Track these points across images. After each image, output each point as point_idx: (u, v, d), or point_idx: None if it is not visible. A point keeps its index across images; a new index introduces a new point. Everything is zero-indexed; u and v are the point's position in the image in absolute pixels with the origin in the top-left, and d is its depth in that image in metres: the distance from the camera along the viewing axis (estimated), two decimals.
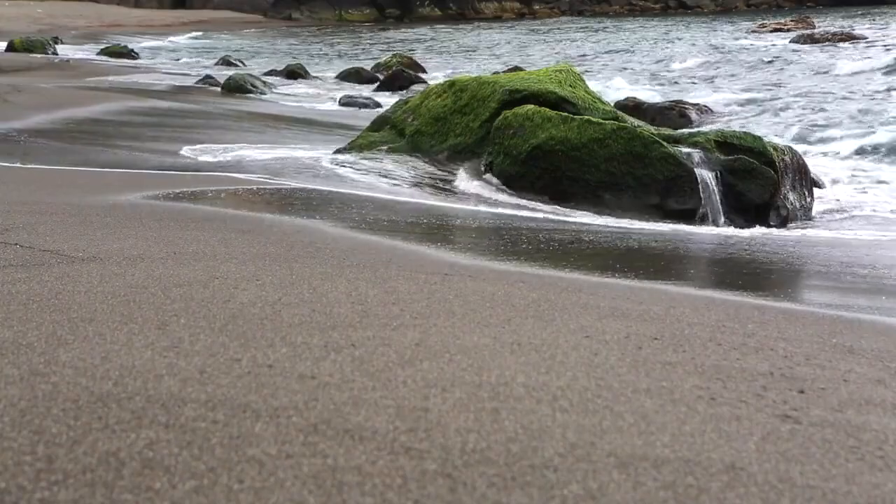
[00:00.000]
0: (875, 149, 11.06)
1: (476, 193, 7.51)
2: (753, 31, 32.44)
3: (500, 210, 6.80)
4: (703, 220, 7.19)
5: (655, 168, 7.31)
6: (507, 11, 64.56)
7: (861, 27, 33.18)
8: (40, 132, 9.42)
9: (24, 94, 12.93)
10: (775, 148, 7.82)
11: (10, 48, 26.46)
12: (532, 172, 7.47)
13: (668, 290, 4.07)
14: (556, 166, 7.39)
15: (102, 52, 27.73)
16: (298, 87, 20.12)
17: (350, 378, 2.42)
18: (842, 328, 3.50)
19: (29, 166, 7.02)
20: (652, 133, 7.64)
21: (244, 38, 44.13)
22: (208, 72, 21.60)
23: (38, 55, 24.79)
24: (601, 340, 2.94)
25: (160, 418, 2.09)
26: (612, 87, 17.29)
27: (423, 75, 21.44)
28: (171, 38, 41.25)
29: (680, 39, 33.74)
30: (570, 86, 8.36)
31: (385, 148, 8.49)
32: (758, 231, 6.93)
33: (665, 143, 7.45)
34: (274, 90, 18.40)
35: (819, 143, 11.85)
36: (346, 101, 16.59)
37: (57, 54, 25.79)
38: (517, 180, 7.50)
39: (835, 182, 9.39)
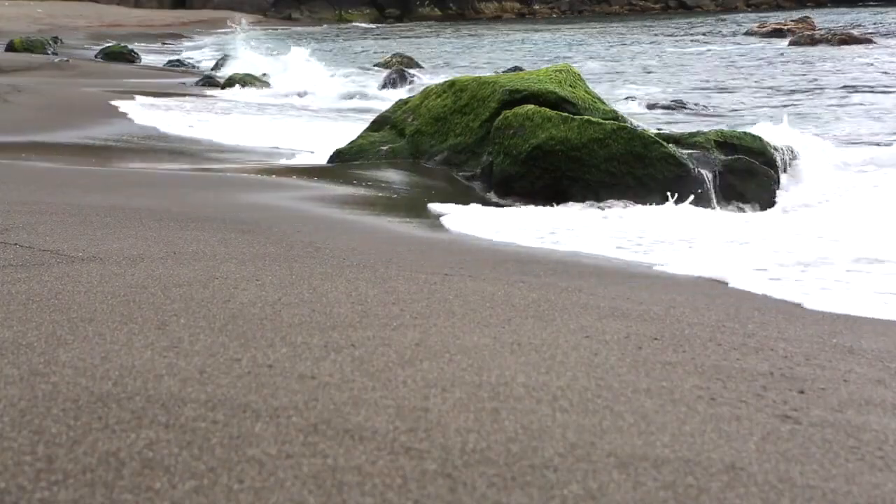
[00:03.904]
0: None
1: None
2: (748, 34, 32.28)
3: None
4: None
5: (655, 168, 7.31)
6: (507, 11, 64.57)
7: (863, 29, 33.16)
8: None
9: (23, 94, 12.92)
10: (775, 148, 7.83)
11: (10, 48, 26.45)
12: (532, 172, 7.46)
13: (667, 290, 4.07)
14: (556, 166, 7.39)
15: (103, 53, 27.69)
16: (298, 87, 20.10)
17: (350, 378, 2.42)
18: (842, 328, 3.50)
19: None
20: (652, 133, 7.64)
21: (244, 38, 44.08)
22: (209, 72, 21.60)
23: (39, 55, 24.78)
24: (601, 340, 2.94)
25: (160, 418, 2.09)
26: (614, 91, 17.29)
27: (422, 75, 21.43)
28: (171, 39, 41.26)
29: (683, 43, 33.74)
30: (570, 86, 8.35)
31: (385, 148, 8.49)
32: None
33: (665, 143, 7.45)
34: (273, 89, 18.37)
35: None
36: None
37: (57, 54, 25.77)
38: (517, 181, 7.50)
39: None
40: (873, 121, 12.96)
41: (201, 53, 32.27)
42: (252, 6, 63.03)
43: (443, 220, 6.00)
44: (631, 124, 7.85)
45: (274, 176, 7.32)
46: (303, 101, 16.18)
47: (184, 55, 30.79)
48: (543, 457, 2.01)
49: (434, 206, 6.40)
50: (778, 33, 30.85)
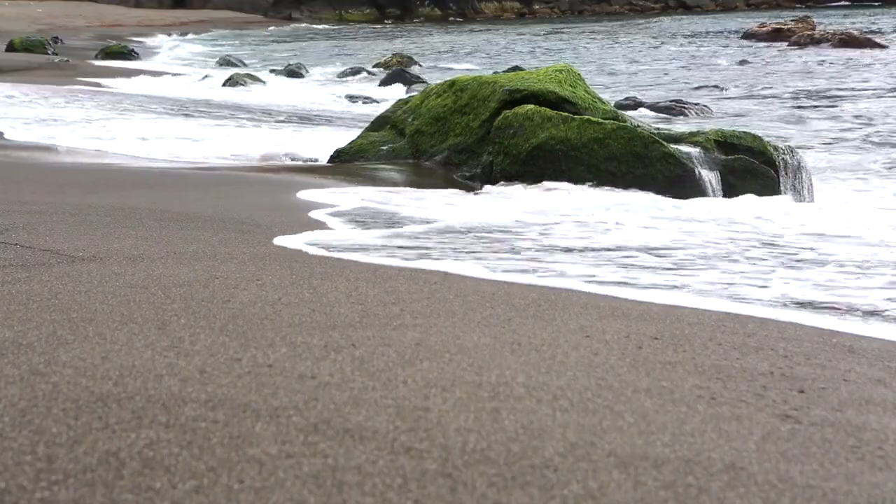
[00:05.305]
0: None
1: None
2: (748, 35, 32.20)
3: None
4: None
5: (656, 168, 7.31)
6: (507, 11, 64.59)
7: (864, 28, 33.14)
8: None
9: None
10: (775, 148, 7.83)
11: (10, 48, 26.45)
12: (532, 172, 7.47)
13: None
14: (557, 166, 7.39)
15: (104, 53, 27.67)
16: (298, 86, 20.13)
17: (350, 378, 2.42)
18: (842, 328, 3.51)
19: None
20: (652, 133, 7.64)
21: (244, 38, 44.11)
22: (209, 72, 21.63)
23: (38, 55, 24.79)
24: (601, 340, 2.94)
25: (160, 418, 2.09)
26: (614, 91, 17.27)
27: (422, 75, 21.45)
28: (170, 39, 41.26)
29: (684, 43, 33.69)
30: (571, 85, 8.35)
31: (385, 148, 8.49)
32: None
33: (665, 143, 7.45)
34: (272, 90, 18.41)
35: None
36: (346, 101, 16.59)
37: (56, 54, 25.78)
38: (517, 180, 7.50)
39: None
40: (871, 123, 12.97)
41: (202, 53, 32.26)
42: (252, 6, 63.01)
43: None
44: (631, 124, 7.85)
45: (275, 175, 7.32)
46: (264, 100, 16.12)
47: (183, 55, 30.80)
48: (543, 457, 2.01)
49: None
50: (778, 34, 30.81)
